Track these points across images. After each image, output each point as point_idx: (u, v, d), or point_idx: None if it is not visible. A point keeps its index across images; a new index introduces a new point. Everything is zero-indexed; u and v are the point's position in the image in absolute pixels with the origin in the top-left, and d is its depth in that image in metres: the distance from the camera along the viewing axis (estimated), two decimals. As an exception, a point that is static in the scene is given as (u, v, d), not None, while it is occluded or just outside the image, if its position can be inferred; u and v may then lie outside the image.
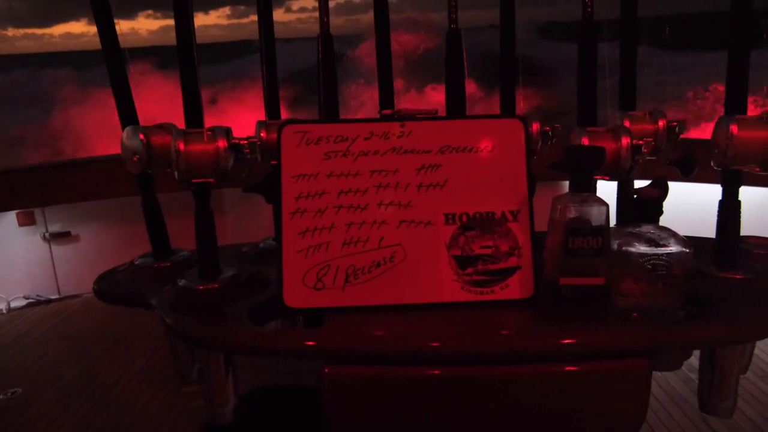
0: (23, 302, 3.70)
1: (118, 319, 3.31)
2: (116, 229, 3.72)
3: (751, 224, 1.38)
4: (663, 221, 1.17)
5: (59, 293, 3.84)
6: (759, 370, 2.71)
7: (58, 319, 3.50)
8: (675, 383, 2.59)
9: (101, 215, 3.79)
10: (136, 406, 2.58)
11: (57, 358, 3.04)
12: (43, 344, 3.21)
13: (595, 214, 1.06)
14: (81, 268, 3.76)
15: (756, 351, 2.79)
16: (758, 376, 2.66)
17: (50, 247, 3.87)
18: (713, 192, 1.28)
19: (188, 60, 1.24)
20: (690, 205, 1.98)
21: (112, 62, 1.38)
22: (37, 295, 3.75)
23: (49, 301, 3.73)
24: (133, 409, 2.56)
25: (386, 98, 1.54)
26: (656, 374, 2.40)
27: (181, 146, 1.19)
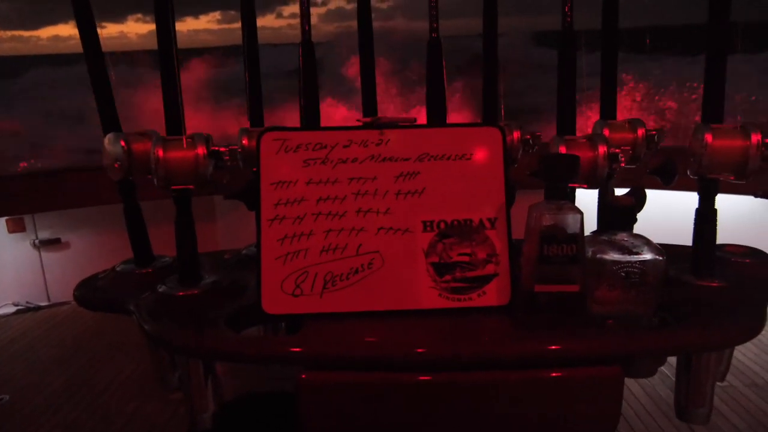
0: (12, 309, 3.70)
1: (107, 326, 3.31)
2: (106, 236, 3.72)
3: (729, 232, 1.39)
4: (646, 229, 1.17)
5: (49, 300, 3.84)
6: (746, 378, 2.73)
7: (47, 326, 3.50)
8: (661, 390, 2.60)
9: (91, 222, 3.80)
10: (124, 413, 2.58)
11: (46, 365, 3.04)
12: (32, 351, 3.21)
13: (569, 221, 1.06)
14: (71, 275, 3.74)
15: (743, 359, 2.83)
16: (745, 385, 2.68)
17: (40, 254, 3.87)
18: (695, 199, 1.29)
19: (169, 65, 1.24)
20: (672, 212, 1.99)
21: (94, 66, 1.37)
22: (27, 302, 3.75)
23: (38, 308, 3.73)
24: (120, 416, 2.57)
25: (369, 106, 1.54)
26: (643, 381, 2.41)
27: (160, 153, 1.20)
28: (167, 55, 1.24)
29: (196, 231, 1.30)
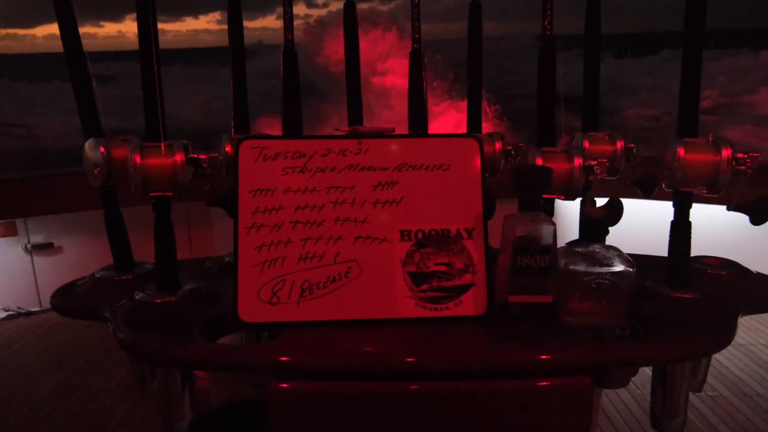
0: (3, 314, 3.69)
1: (98, 331, 3.29)
2: (99, 240, 3.69)
3: (706, 244, 1.40)
4: (628, 237, 1.18)
5: (40, 305, 3.83)
6: (734, 387, 2.73)
7: (38, 332, 3.49)
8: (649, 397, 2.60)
9: (84, 226, 3.79)
10: (113, 420, 2.58)
11: (36, 371, 3.03)
12: (22, 357, 3.20)
13: (543, 232, 1.07)
14: (63, 279, 3.73)
15: (731, 368, 2.83)
16: (733, 394, 2.67)
17: (32, 259, 3.86)
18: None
19: (149, 70, 1.24)
20: (654, 221, 2.00)
21: (76, 71, 1.37)
22: (18, 307, 3.74)
23: (29, 314, 3.72)
24: (110, 423, 2.56)
25: (355, 114, 1.55)
26: (630, 386, 2.41)
27: (138, 159, 1.20)
28: (147, 59, 1.24)
29: (175, 237, 1.30)
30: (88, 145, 1.31)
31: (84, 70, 1.37)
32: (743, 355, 2.98)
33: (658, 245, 1.43)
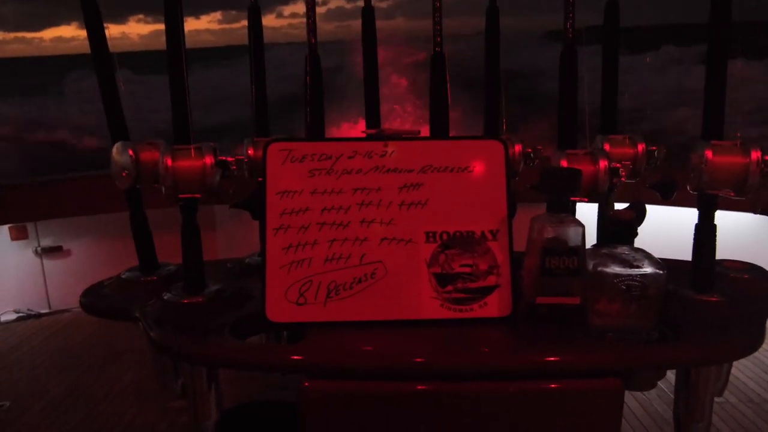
0: (13, 316, 3.71)
1: (107, 333, 3.32)
2: (108, 244, 3.74)
3: (728, 248, 1.40)
4: (646, 243, 1.18)
5: (50, 307, 3.85)
6: (741, 394, 2.73)
7: (48, 333, 3.50)
8: (659, 406, 2.61)
9: (93, 230, 3.82)
10: (123, 421, 2.59)
11: (46, 372, 3.04)
12: (32, 358, 3.21)
13: (571, 234, 1.08)
14: (72, 282, 3.77)
15: (739, 375, 2.83)
16: (741, 401, 2.68)
17: (42, 262, 3.88)
18: (694, 215, 1.30)
19: (178, 74, 1.25)
20: (672, 227, 2.00)
21: (103, 75, 1.39)
22: (28, 309, 3.76)
23: (39, 315, 3.74)
24: (119, 424, 2.57)
25: (372, 117, 1.56)
26: (640, 396, 2.40)
27: (169, 162, 1.21)
28: (175, 62, 1.25)
29: (201, 240, 1.31)
30: (116, 148, 1.32)
31: (111, 76, 1.39)
32: (749, 361, 2.98)
33: (672, 248, 1.44)
